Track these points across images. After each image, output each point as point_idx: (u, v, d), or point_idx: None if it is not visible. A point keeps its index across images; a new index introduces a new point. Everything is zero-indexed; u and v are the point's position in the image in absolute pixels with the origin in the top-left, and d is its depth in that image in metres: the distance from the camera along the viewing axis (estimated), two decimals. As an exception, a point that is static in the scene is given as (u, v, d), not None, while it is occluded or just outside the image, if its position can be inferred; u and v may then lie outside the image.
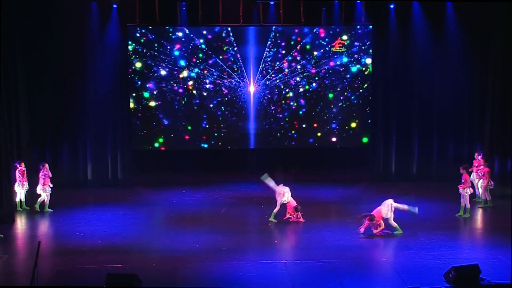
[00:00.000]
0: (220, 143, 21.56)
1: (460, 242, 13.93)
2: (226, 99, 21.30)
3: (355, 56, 21.19)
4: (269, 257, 12.49)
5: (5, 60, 15.58)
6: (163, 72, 20.91)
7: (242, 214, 16.28)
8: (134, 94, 20.86)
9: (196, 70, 21.00)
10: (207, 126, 21.40)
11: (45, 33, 18.80)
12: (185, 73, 21.02)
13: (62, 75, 19.27)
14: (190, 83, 21.11)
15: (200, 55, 20.92)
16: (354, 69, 21.27)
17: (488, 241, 14.04)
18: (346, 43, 21.10)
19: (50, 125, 19.47)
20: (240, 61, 21.02)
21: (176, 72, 20.96)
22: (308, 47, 21.10)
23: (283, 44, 21.02)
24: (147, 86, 20.97)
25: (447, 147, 20.20)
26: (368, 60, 21.04)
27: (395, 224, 14.04)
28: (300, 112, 21.53)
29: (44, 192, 16.32)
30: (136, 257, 12.55)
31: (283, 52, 21.06)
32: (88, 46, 19.33)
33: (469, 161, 17.56)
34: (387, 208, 13.97)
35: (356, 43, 21.12)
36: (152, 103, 21.10)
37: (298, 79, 21.28)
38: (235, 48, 20.93)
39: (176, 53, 20.84)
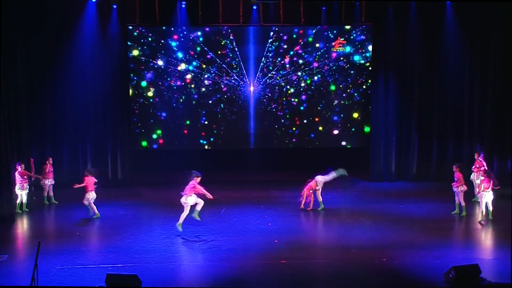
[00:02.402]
0: (220, 143, 21.57)
1: (460, 242, 13.93)
2: (226, 98, 21.30)
3: (355, 55, 21.19)
4: (269, 257, 12.49)
5: (5, 60, 15.58)
6: (163, 72, 20.92)
7: (242, 214, 16.27)
8: (134, 94, 20.87)
9: (196, 70, 21.01)
10: (207, 125, 21.41)
11: (45, 34, 18.82)
12: (185, 73, 21.02)
13: (62, 75, 19.29)
14: (190, 83, 21.12)
15: (200, 55, 20.93)
16: (353, 68, 21.27)
17: (488, 241, 14.04)
18: (345, 43, 21.10)
19: (50, 125, 19.49)
20: (240, 60, 21.03)
21: (176, 72, 20.97)
22: (307, 47, 21.11)
23: (283, 44, 21.03)
24: (147, 86, 20.99)
25: (447, 147, 20.21)
26: (368, 60, 21.04)
27: (320, 199, 16.17)
28: (300, 112, 21.54)
29: (22, 190, 16.19)
30: (136, 257, 12.55)
31: (283, 52, 21.07)
32: (88, 46, 19.34)
33: (469, 161, 17.58)
34: (315, 183, 16.11)
35: (356, 43, 21.12)
36: (152, 103, 21.11)
37: (297, 79, 21.29)
38: (235, 48, 20.93)
39: (176, 53, 20.85)
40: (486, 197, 14.88)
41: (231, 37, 20.87)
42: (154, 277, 11.28)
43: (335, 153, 21.52)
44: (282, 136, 21.68)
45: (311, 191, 16.15)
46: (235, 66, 21.08)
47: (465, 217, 15.56)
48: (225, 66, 21.04)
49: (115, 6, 19.21)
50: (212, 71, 21.05)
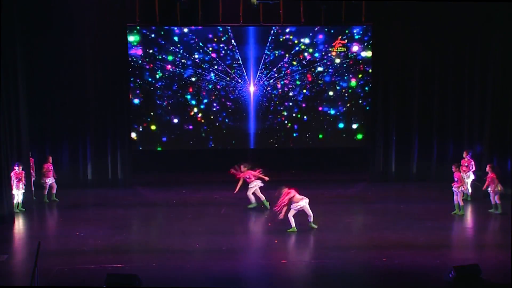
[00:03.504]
0: (220, 143, 21.57)
1: (460, 242, 13.93)
2: (226, 98, 21.30)
3: (355, 55, 21.19)
4: (269, 257, 12.49)
5: (5, 60, 15.58)
6: (163, 72, 20.92)
7: (242, 214, 16.27)
8: (134, 94, 20.87)
9: (196, 70, 21.00)
10: (206, 125, 21.41)
11: (46, 34, 18.81)
12: (184, 73, 21.02)
13: (62, 75, 19.27)
14: (190, 82, 21.11)
15: (200, 55, 20.92)
16: (354, 68, 21.26)
17: (488, 241, 14.04)
18: (346, 43, 21.10)
19: (50, 125, 19.48)
20: (240, 61, 21.03)
21: (176, 72, 20.96)
22: (307, 47, 21.10)
23: (283, 44, 21.03)
24: (147, 86, 20.98)
25: (447, 147, 20.20)
26: (368, 60, 21.04)
27: (292, 220, 14.04)
28: (300, 112, 21.53)
29: (17, 190, 16.19)
30: (136, 257, 12.55)
31: (283, 52, 21.06)
32: (88, 46, 19.33)
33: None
34: (300, 201, 14.01)
35: (356, 43, 21.12)
36: (152, 103, 21.10)
37: (297, 78, 21.28)
38: (235, 48, 20.93)
39: (176, 53, 20.85)
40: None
41: (231, 37, 20.87)
42: (154, 277, 11.28)
43: (335, 153, 21.53)
44: (282, 136, 21.67)
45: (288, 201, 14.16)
46: (235, 66, 21.08)
47: (464, 216, 15.57)
48: (225, 66, 21.03)
49: (115, 6, 19.18)
50: (212, 71, 21.04)
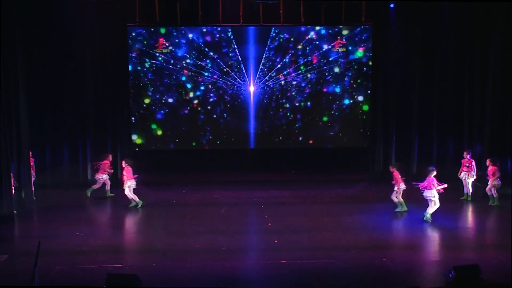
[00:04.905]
0: (220, 143, 21.57)
1: (460, 242, 13.93)
2: (226, 98, 21.30)
3: (355, 55, 21.19)
4: (269, 257, 12.49)
5: (5, 60, 15.57)
6: (163, 72, 20.92)
7: (242, 214, 16.27)
8: (133, 94, 20.88)
9: (196, 69, 21.01)
10: (206, 125, 21.41)
11: (45, 33, 18.82)
12: (184, 73, 21.02)
13: (62, 75, 19.29)
14: (190, 82, 21.12)
15: (200, 54, 20.93)
16: (354, 68, 21.27)
17: (488, 241, 14.04)
18: (346, 43, 21.10)
19: (50, 125, 19.48)
20: (240, 60, 21.03)
21: (176, 72, 20.96)
22: (307, 47, 21.10)
23: (283, 44, 21.03)
24: (147, 85, 20.99)
25: (447, 147, 20.21)
26: (368, 60, 21.05)
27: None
28: (300, 112, 21.53)
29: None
30: (136, 257, 12.55)
31: (283, 52, 21.07)
32: (88, 46, 19.33)
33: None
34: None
35: (356, 43, 21.12)
36: (152, 103, 21.11)
37: (298, 78, 21.29)
38: (235, 48, 20.94)
39: (176, 53, 20.85)
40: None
41: (231, 37, 20.87)
42: (154, 277, 11.28)
43: (335, 153, 21.54)
44: (282, 136, 21.67)
45: None
46: (235, 66, 21.08)
47: (463, 216, 15.61)
48: (225, 66, 21.04)
49: (115, 6, 19.18)
50: (212, 71, 21.05)
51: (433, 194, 14.72)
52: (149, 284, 10.68)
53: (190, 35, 20.80)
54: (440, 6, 19.59)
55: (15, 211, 15.98)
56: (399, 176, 15.85)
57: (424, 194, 14.91)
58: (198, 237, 13.87)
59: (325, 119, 21.57)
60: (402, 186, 15.79)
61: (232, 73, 21.11)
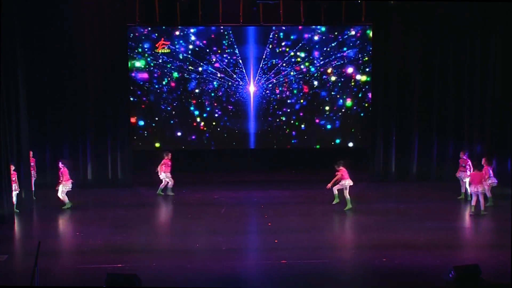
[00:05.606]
0: (220, 143, 21.58)
1: (460, 242, 13.92)
2: (226, 98, 21.31)
3: (355, 55, 21.20)
4: (269, 257, 12.49)
5: (5, 60, 15.57)
6: (163, 72, 20.93)
7: (242, 214, 16.27)
8: (133, 94, 20.88)
9: (196, 69, 21.02)
10: (206, 125, 21.42)
11: (45, 33, 18.84)
12: (184, 73, 21.03)
13: (62, 75, 19.29)
14: (190, 82, 21.13)
15: (200, 54, 20.94)
16: (354, 68, 21.27)
17: (488, 241, 14.03)
18: (345, 43, 21.11)
19: (50, 125, 19.48)
20: (240, 60, 21.04)
21: (176, 72, 20.97)
22: (307, 47, 21.11)
23: (283, 44, 21.04)
24: (147, 85, 21.00)
25: (447, 147, 20.21)
26: (368, 60, 21.05)
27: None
28: (300, 112, 21.54)
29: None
30: (136, 257, 12.54)
31: (283, 52, 21.07)
32: (88, 46, 19.34)
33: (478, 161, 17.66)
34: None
35: (356, 43, 21.13)
36: (152, 103, 21.12)
37: (297, 78, 21.29)
38: (235, 48, 20.94)
39: (176, 53, 20.86)
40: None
41: (231, 37, 20.87)
42: (154, 277, 11.28)
43: (335, 153, 21.49)
44: (282, 136, 21.68)
45: None
46: (235, 66, 21.09)
47: (462, 214, 15.62)
48: (225, 65, 21.04)
49: (115, 6, 19.17)
50: (212, 71, 21.05)
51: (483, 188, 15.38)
52: (149, 284, 10.68)
53: (190, 35, 20.81)
54: (440, 6, 19.58)
55: (17, 210, 16.02)
56: (346, 173, 16.08)
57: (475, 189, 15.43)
58: (198, 237, 13.87)
59: (325, 119, 21.57)
60: (349, 182, 16.04)
61: (232, 73, 21.12)
